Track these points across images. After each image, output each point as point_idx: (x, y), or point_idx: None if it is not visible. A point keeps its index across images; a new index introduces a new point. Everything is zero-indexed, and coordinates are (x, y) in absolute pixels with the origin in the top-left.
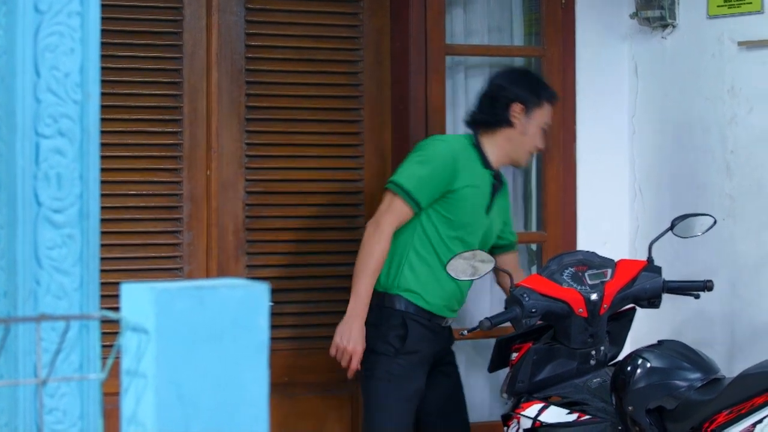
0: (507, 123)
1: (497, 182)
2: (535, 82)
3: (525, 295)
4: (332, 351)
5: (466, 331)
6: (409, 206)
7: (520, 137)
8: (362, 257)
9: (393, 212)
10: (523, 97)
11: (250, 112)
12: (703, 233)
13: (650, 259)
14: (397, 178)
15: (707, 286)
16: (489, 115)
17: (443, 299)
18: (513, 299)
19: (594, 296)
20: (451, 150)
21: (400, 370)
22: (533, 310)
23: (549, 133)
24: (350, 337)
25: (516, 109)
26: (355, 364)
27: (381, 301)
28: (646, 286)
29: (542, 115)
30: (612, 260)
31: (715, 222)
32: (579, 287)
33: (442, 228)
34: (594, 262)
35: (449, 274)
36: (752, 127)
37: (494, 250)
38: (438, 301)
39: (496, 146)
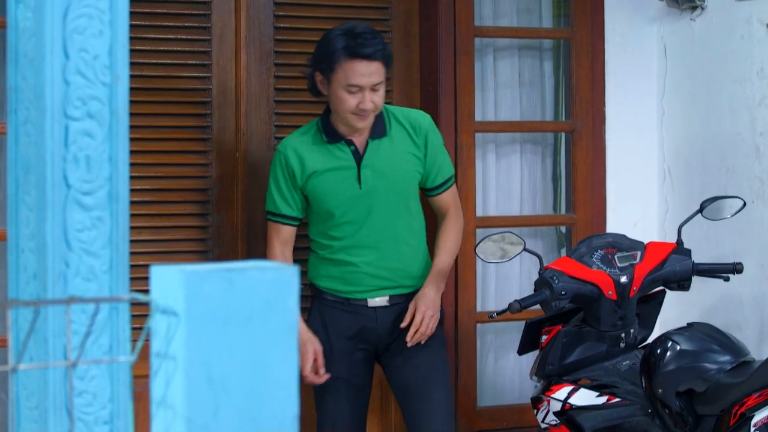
0: (320, 94)
1: (356, 147)
2: (326, 44)
3: (555, 278)
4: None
5: (495, 314)
6: (280, 224)
7: (335, 104)
8: None
9: (269, 235)
10: (317, 66)
11: (278, 95)
12: (732, 216)
13: (680, 242)
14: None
15: (737, 268)
16: (308, 85)
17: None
18: (542, 281)
19: (624, 279)
20: (279, 154)
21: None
22: (563, 293)
23: (374, 88)
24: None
25: (318, 77)
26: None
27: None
28: (676, 269)
29: (340, 78)
30: (641, 243)
31: (744, 204)
32: (608, 270)
33: (322, 221)
34: (623, 244)
35: (479, 257)
36: None
37: (430, 193)
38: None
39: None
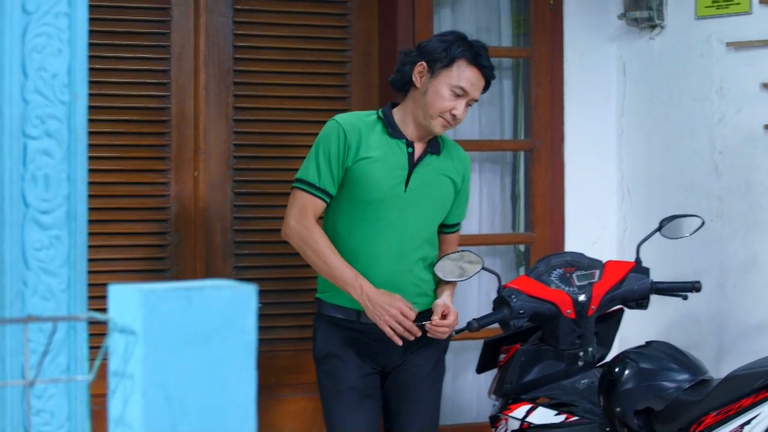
0: (410, 83)
1: (413, 151)
2: (447, 42)
3: (513, 297)
4: (388, 331)
5: (454, 332)
6: (316, 197)
7: (422, 98)
8: (307, 256)
9: (294, 205)
10: (430, 55)
11: (237, 113)
12: (691, 234)
13: (638, 260)
14: (296, 175)
15: (695, 287)
16: (396, 74)
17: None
18: (501, 300)
19: (582, 297)
20: (338, 125)
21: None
22: (521, 312)
23: (472, 103)
24: (379, 305)
25: (419, 68)
26: (408, 323)
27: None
28: (634, 287)
29: (452, 76)
30: (600, 261)
31: (703, 223)
32: (567, 288)
33: (347, 211)
34: (582, 263)
35: (437, 275)
36: (740, 128)
37: (444, 230)
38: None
39: (406, 112)
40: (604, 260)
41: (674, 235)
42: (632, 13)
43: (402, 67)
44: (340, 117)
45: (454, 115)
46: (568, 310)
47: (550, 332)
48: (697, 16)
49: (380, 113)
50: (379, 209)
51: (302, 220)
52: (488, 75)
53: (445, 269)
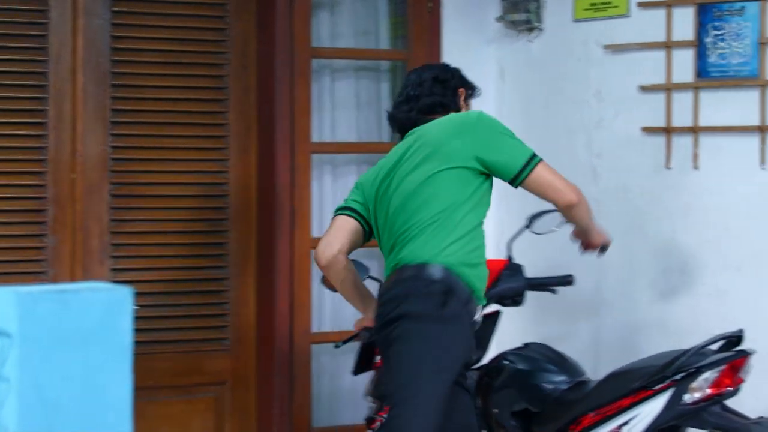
0: (455, 106)
1: None
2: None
3: None
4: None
5: (341, 343)
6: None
7: None
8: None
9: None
10: (466, 85)
11: (115, 116)
12: (559, 227)
13: (510, 258)
14: (529, 150)
15: (567, 280)
16: (443, 96)
17: None
18: None
19: None
20: None
21: None
22: None
23: None
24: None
25: (461, 94)
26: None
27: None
28: (509, 285)
29: (470, 105)
30: None
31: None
32: None
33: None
34: None
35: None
36: (618, 131)
37: None
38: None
39: None
40: None
41: (542, 230)
42: (510, 16)
43: (444, 89)
44: None
45: None
46: None
47: None
48: (575, 18)
49: None
50: None
51: None
52: None
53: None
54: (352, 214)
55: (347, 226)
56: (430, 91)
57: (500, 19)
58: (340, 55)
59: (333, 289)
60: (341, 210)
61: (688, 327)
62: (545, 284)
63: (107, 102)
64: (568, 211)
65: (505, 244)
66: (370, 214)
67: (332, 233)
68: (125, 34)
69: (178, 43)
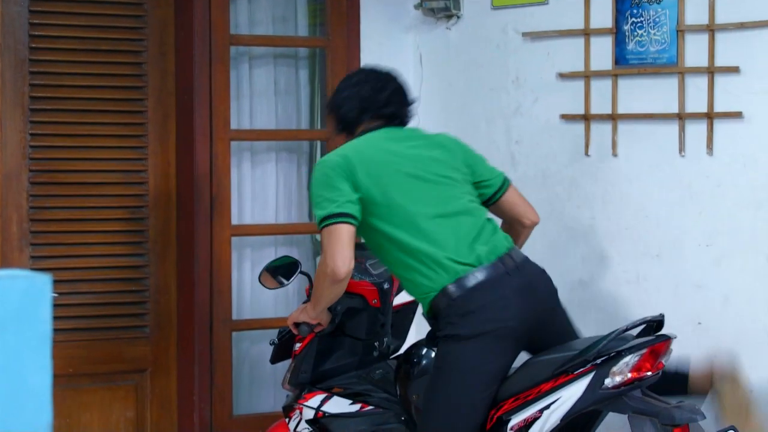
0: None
1: None
2: None
3: None
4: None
5: (276, 340)
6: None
7: None
8: None
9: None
10: None
11: (33, 103)
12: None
13: None
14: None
15: None
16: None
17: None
18: None
19: (386, 285)
20: None
21: None
22: (338, 308)
23: None
24: None
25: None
26: None
27: None
28: None
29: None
30: None
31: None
32: (369, 278)
33: None
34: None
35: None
36: (537, 118)
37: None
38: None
39: None
40: None
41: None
42: (429, 3)
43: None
44: None
45: None
46: (375, 300)
47: (356, 324)
48: (494, 6)
49: None
50: None
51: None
52: None
53: (267, 280)
54: (354, 222)
55: (352, 236)
56: (405, 102)
57: (419, 6)
58: (259, 43)
59: (270, 287)
60: (342, 218)
61: (609, 313)
62: None
63: (26, 89)
64: (530, 230)
65: None
66: (367, 202)
67: (345, 247)
68: (43, 21)
69: (97, 30)
